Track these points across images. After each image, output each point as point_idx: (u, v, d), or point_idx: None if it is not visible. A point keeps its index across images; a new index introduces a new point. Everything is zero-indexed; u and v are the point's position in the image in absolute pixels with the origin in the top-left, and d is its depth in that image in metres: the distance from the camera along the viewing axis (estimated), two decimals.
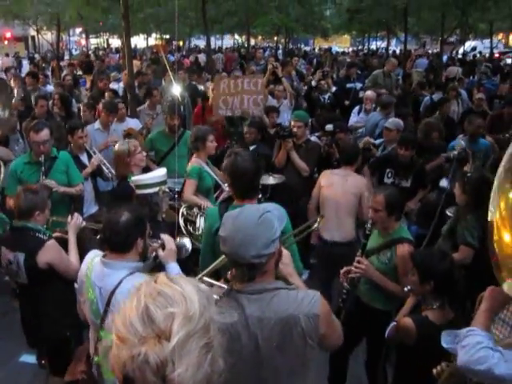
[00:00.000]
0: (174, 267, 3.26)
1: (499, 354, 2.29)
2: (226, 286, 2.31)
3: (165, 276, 1.39)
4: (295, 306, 2.21)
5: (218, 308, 1.40)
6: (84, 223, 4.21)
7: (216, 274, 2.72)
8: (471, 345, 2.34)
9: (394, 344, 3.64)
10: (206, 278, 2.44)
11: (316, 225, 3.87)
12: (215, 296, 2.14)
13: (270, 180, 5.87)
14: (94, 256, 3.18)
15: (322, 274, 5.32)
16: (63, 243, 4.03)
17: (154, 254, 3.36)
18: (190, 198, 5.00)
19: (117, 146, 4.98)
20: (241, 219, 2.20)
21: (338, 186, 5.23)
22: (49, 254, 3.79)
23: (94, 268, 3.10)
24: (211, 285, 2.39)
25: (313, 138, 6.91)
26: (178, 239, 4.04)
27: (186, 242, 4.11)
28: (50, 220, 4.29)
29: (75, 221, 4.11)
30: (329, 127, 6.85)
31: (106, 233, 3.08)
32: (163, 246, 3.31)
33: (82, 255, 3.55)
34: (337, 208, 5.16)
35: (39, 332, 4.00)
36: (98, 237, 3.42)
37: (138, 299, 1.31)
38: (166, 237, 3.37)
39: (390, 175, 5.99)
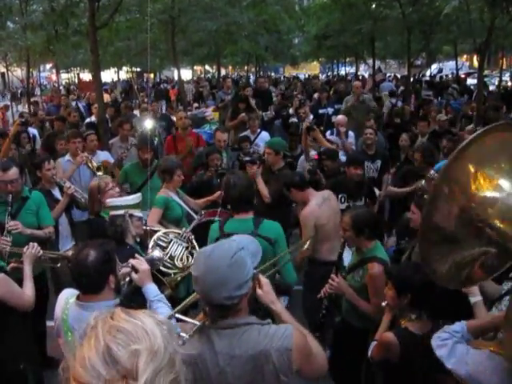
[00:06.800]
0: (151, 289, 3.12)
1: (452, 343, 2.47)
2: (198, 323, 2.23)
3: (121, 311, 1.30)
4: (266, 342, 2.14)
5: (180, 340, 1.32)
6: (41, 252, 4.01)
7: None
8: (442, 329, 2.58)
9: (378, 364, 3.55)
10: (178, 315, 2.36)
11: (306, 246, 4.23)
12: (184, 334, 2.07)
13: None
14: (70, 296, 3.02)
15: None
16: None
17: (127, 278, 3.23)
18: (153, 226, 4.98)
19: (91, 183, 4.94)
20: (213, 259, 2.12)
21: (336, 211, 5.24)
22: None
23: (70, 310, 2.94)
24: (184, 322, 2.32)
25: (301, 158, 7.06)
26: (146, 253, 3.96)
27: (155, 253, 3.99)
28: (5, 252, 4.18)
29: (30, 250, 3.90)
30: (312, 153, 6.83)
31: (75, 275, 2.93)
32: (135, 269, 3.16)
33: (60, 289, 3.36)
34: (336, 229, 5.01)
35: None
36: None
37: (97, 338, 1.21)
38: (133, 261, 3.22)
39: (343, 200, 6.01)
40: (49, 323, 4.74)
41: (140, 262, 3.22)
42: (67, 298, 3.02)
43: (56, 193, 5.75)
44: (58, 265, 4.38)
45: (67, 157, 6.84)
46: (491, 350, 2.37)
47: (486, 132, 2.21)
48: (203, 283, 2.11)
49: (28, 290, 3.76)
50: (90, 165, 6.55)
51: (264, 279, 2.43)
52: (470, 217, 2.18)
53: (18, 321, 3.80)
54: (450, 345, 2.47)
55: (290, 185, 5.16)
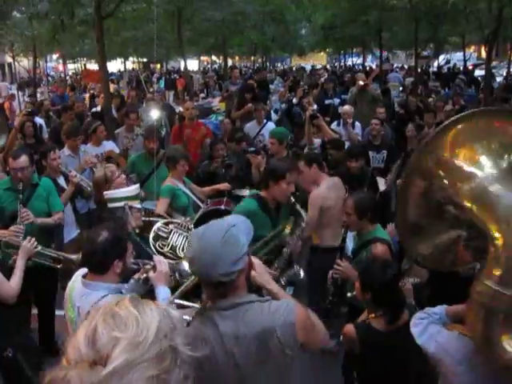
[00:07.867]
0: (162, 291, 2.94)
1: (426, 323, 2.62)
2: (198, 306, 2.25)
3: (129, 299, 1.28)
4: (269, 318, 2.15)
5: (186, 339, 1.26)
6: (39, 247, 4.02)
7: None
8: (423, 310, 2.73)
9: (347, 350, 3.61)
10: (177, 300, 2.37)
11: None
12: (187, 317, 2.07)
13: (245, 192, 5.79)
14: (80, 273, 3.07)
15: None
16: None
17: (144, 275, 3.12)
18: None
19: (96, 173, 4.94)
20: (206, 239, 2.15)
21: (342, 198, 5.17)
22: None
23: (75, 286, 3.00)
24: (183, 306, 2.33)
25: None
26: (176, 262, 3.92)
27: (185, 265, 3.89)
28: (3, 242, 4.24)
29: (25, 244, 3.92)
30: (316, 141, 6.84)
31: (83, 252, 3.03)
32: (154, 268, 3.06)
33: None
34: (339, 216, 4.92)
35: None
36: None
37: (91, 320, 1.21)
38: (157, 258, 3.19)
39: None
40: (58, 312, 4.80)
41: (162, 263, 3.10)
42: (78, 274, 3.08)
43: (61, 181, 5.77)
44: (59, 266, 4.36)
45: (66, 151, 6.67)
46: (460, 332, 2.49)
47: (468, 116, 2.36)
48: (199, 263, 2.14)
49: (14, 282, 3.75)
50: (95, 170, 6.43)
51: (256, 260, 2.44)
52: (439, 194, 2.30)
53: (4, 310, 3.78)
54: (424, 323, 2.62)
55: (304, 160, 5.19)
